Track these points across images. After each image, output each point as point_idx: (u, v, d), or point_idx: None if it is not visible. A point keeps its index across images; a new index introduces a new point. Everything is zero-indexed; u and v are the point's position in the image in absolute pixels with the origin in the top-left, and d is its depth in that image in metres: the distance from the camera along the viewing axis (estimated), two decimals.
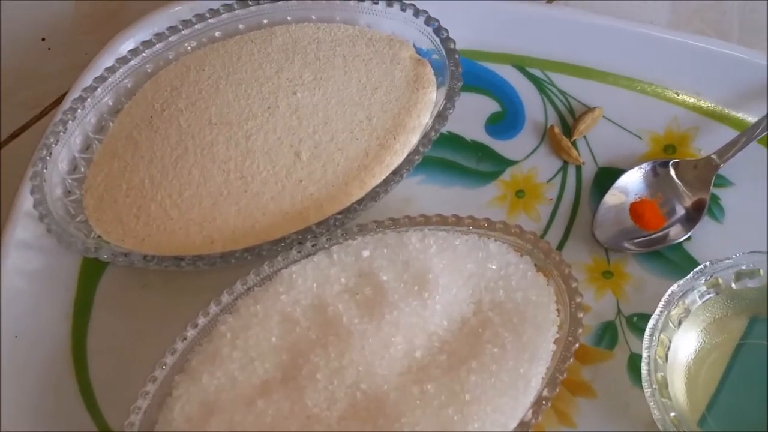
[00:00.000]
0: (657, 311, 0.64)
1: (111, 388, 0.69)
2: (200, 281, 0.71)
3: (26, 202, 0.72)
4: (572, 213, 0.74)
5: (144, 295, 0.73)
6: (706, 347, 0.66)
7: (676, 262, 0.70)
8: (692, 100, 0.77)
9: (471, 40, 0.78)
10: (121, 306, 0.72)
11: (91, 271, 0.73)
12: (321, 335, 0.64)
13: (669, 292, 0.65)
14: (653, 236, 0.71)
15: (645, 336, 0.64)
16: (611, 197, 0.72)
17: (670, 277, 0.69)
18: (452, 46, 0.74)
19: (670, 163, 0.72)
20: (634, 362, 0.67)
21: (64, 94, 0.78)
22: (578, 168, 0.75)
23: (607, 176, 0.74)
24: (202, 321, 0.66)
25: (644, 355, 0.63)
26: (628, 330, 0.69)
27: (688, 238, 0.71)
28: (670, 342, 0.65)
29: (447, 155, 0.76)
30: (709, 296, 0.66)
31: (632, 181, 0.72)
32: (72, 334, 0.71)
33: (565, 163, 0.75)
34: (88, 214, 0.72)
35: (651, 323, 0.64)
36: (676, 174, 0.72)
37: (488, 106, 0.78)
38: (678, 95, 0.77)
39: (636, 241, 0.71)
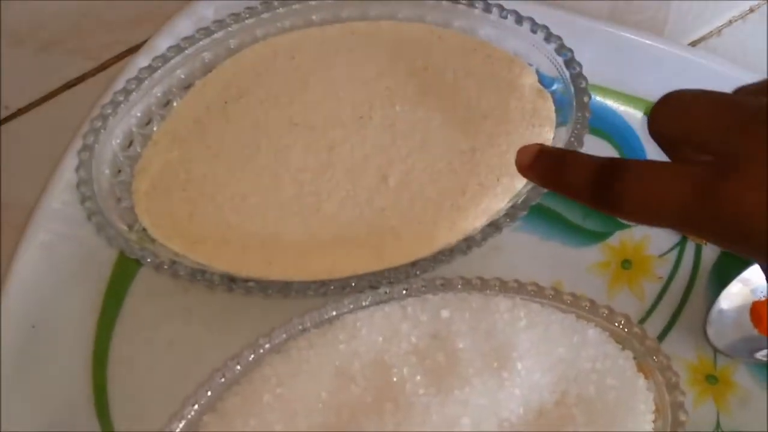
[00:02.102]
0: None
1: (128, 401, 0.62)
2: (250, 305, 0.63)
3: (68, 172, 0.64)
4: (683, 298, 0.64)
5: (183, 303, 0.64)
6: None
7: None
8: None
9: (600, 72, 0.68)
10: (156, 310, 0.64)
11: (127, 265, 0.65)
12: (378, 399, 0.56)
13: None
14: None
15: None
16: (734, 290, 0.62)
17: None
18: (583, 85, 0.63)
19: None
20: None
21: (129, 49, 0.69)
22: (698, 247, 0.66)
23: (732, 264, 0.64)
24: (246, 356, 0.57)
25: None
26: None
27: None
28: None
29: (550, 203, 0.67)
30: None
31: (761, 276, 0.62)
32: (96, 334, 0.63)
33: (684, 238, 0.66)
34: (136, 200, 0.63)
35: None
36: None
37: (606, 152, 0.68)
38: None
39: (756, 350, 0.61)
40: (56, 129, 0.67)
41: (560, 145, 0.63)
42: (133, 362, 0.63)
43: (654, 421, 0.56)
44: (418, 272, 0.60)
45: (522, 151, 0.51)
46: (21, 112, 0.71)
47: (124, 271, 0.64)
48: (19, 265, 0.63)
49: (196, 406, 0.57)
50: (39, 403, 0.61)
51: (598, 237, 0.66)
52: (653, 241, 0.66)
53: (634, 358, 0.58)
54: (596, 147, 0.68)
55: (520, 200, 0.61)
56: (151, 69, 0.64)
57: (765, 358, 0.61)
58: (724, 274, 0.64)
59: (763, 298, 0.62)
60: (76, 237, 0.64)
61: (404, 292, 0.59)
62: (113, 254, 0.64)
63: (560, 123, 0.65)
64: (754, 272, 0.63)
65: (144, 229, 0.62)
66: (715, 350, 0.62)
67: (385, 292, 0.59)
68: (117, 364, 0.62)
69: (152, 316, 0.64)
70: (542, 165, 0.50)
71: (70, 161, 0.63)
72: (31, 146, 0.70)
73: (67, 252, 0.64)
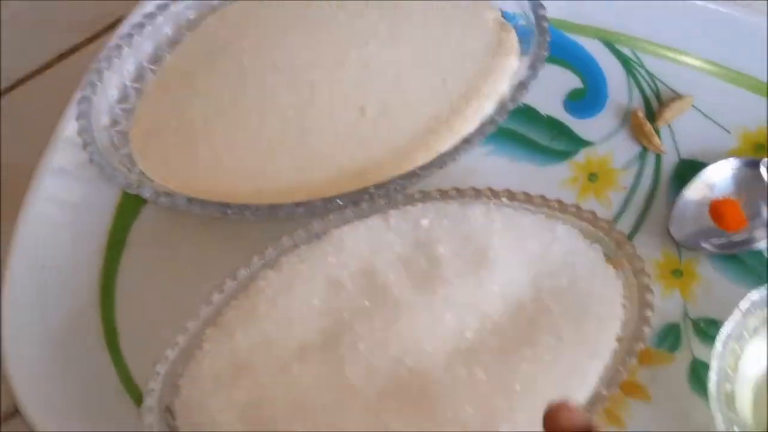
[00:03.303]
0: (734, 319, 0.59)
1: (136, 333, 0.66)
2: (243, 232, 0.67)
3: (69, 127, 0.69)
4: (646, 203, 0.68)
5: (182, 240, 0.69)
6: None
7: (754, 268, 0.65)
8: None
9: (560, 8, 0.73)
10: (157, 248, 0.69)
11: (129, 207, 0.69)
12: (368, 303, 0.60)
13: (749, 300, 0.60)
14: (733, 239, 0.66)
15: (717, 343, 0.59)
16: (693, 191, 0.67)
17: (744, 284, 0.64)
18: (543, 12, 0.69)
19: (763, 162, 0.67)
20: (696, 369, 0.62)
21: (118, 20, 0.74)
22: (658, 157, 0.70)
23: (689, 169, 0.69)
24: (242, 274, 0.62)
25: (714, 364, 0.58)
26: (693, 334, 0.64)
27: None
28: (741, 352, 0.60)
29: (519, 128, 0.71)
30: None
31: (718, 177, 0.67)
32: (102, 272, 0.68)
33: (645, 150, 0.70)
34: (134, 147, 0.68)
35: (726, 330, 0.59)
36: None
37: (569, 81, 0.73)
38: None
39: (715, 241, 0.66)
40: (53, 97, 0.72)
41: (524, 67, 0.68)
42: (138, 295, 0.67)
43: (623, 305, 0.60)
44: (397, 188, 0.64)
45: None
46: (20, 83, 0.76)
47: (126, 212, 0.69)
48: (28, 212, 0.68)
49: (198, 321, 0.61)
50: (50, 339, 0.65)
51: (564, 155, 0.71)
52: (616, 155, 0.70)
53: (605, 254, 0.62)
54: (560, 76, 0.73)
55: (488, 118, 0.66)
56: (140, 26, 0.69)
57: (722, 250, 0.66)
58: (681, 178, 0.68)
59: (721, 198, 0.67)
60: (79, 184, 0.69)
61: (385, 205, 0.64)
62: (115, 198, 0.69)
63: (523, 52, 0.70)
64: (711, 172, 0.67)
65: (142, 173, 0.67)
66: (679, 246, 0.66)
67: (368, 208, 0.64)
68: (123, 297, 0.67)
69: (154, 252, 0.68)
70: None
71: (71, 118, 0.68)
72: (31, 113, 0.75)
73: (71, 199, 0.69)
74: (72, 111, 0.68)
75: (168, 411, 0.59)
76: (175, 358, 0.59)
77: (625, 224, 0.68)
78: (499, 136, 0.70)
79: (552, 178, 0.70)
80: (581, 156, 0.70)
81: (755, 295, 0.60)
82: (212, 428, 0.57)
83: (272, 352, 0.59)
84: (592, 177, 0.69)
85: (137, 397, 0.63)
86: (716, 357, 0.59)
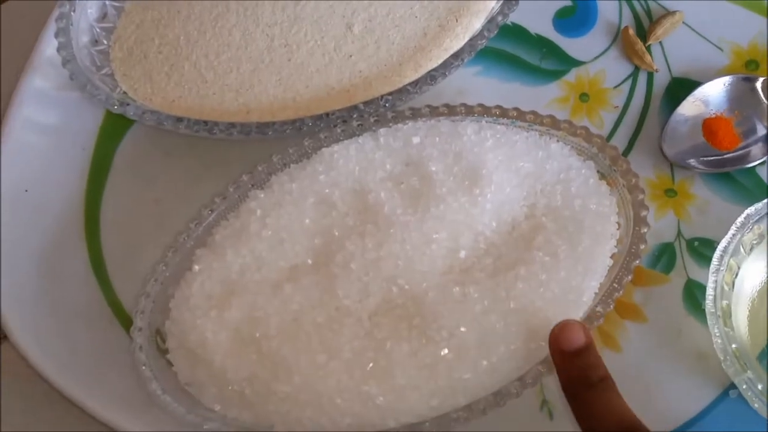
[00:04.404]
0: (729, 234, 0.59)
1: (123, 258, 0.65)
2: (231, 154, 0.66)
3: (49, 47, 0.67)
4: (639, 123, 0.68)
5: (167, 163, 0.67)
6: None
7: (747, 186, 0.65)
8: None
9: None
10: (142, 172, 0.67)
11: (112, 131, 0.68)
12: (359, 223, 0.59)
13: (745, 214, 0.59)
14: (726, 156, 0.65)
15: (713, 259, 0.59)
16: (686, 108, 0.66)
17: (738, 202, 0.64)
18: None
19: (759, 80, 0.66)
20: (690, 289, 0.62)
21: None
22: (650, 75, 0.69)
23: (681, 87, 0.68)
24: (231, 192, 0.61)
25: (711, 279, 0.58)
26: (688, 254, 0.63)
27: (763, 163, 0.65)
28: (738, 269, 0.60)
29: (508, 48, 0.70)
30: None
31: (711, 94, 0.66)
32: (86, 197, 0.66)
33: (637, 68, 0.69)
34: (115, 67, 0.66)
35: (722, 246, 0.59)
36: (764, 92, 0.66)
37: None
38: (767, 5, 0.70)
39: (706, 159, 0.65)
40: (32, 20, 0.70)
41: None
42: (124, 219, 0.66)
43: (618, 222, 0.59)
44: (386, 105, 0.63)
45: (567, 330, 0.53)
46: None
47: (110, 135, 0.68)
48: (9, 135, 0.66)
49: (186, 237, 0.60)
50: (36, 265, 0.64)
51: (555, 75, 0.69)
52: (608, 74, 0.69)
53: (598, 171, 0.61)
54: None
55: (477, 34, 0.65)
56: None
57: (715, 168, 0.65)
58: (674, 96, 0.67)
59: (714, 115, 0.66)
60: (61, 107, 0.67)
61: (376, 123, 0.62)
62: (98, 121, 0.68)
63: None
64: (703, 92, 0.67)
65: (125, 93, 0.65)
66: (672, 165, 0.65)
67: (358, 125, 0.62)
68: (109, 222, 0.66)
69: (139, 176, 0.67)
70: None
71: (50, 39, 0.66)
72: (9, 35, 0.73)
73: (53, 122, 0.67)
74: (50, 29, 0.66)
75: (158, 333, 0.58)
76: (164, 278, 0.58)
77: (617, 144, 0.67)
78: (488, 56, 0.69)
79: (542, 98, 0.69)
80: (572, 75, 0.69)
81: (751, 210, 0.60)
82: (203, 349, 0.56)
83: (264, 272, 0.58)
84: (584, 97, 0.68)
85: (126, 322, 0.62)
86: (713, 272, 0.58)
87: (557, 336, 0.53)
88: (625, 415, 0.50)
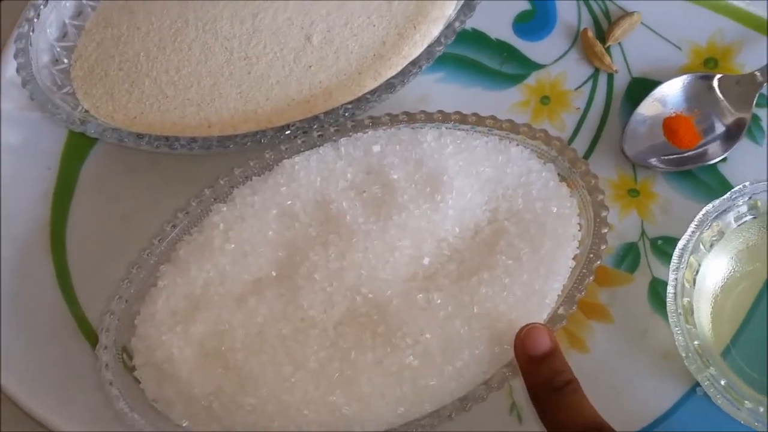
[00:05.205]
0: (689, 231, 0.59)
1: (89, 275, 0.65)
2: (192, 169, 0.66)
3: (9, 69, 0.67)
4: (600, 124, 0.68)
5: (131, 180, 0.68)
6: (736, 275, 0.61)
7: (709, 183, 0.65)
8: (740, 9, 0.70)
9: None
10: (106, 190, 0.68)
11: (76, 149, 0.68)
12: (322, 233, 0.59)
13: (703, 211, 0.60)
14: (686, 154, 0.65)
15: (673, 257, 0.59)
16: (646, 108, 0.66)
17: (700, 200, 0.64)
18: None
19: (716, 77, 0.66)
20: (655, 288, 0.63)
21: None
22: (610, 76, 0.69)
23: (641, 87, 0.68)
24: (193, 207, 0.61)
25: (671, 277, 0.58)
26: (652, 253, 0.64)
27: (724, 159, 0.65)
28: (699, 266, 0.60)
29: (469, 53, 0.70)
30: (745, 219, 0.61)
31: (670, 93, 0.67)
32: (51, 215, 0.67)
33: (597, 70, 0.70)
34: (76, 85, 0.66)
35: (681, 244, 0.59)
36: (720, 90, 0.66)
37: (517, 2, 0.72)
38: (725, 4, 0.71)
39: (667, 158, 0.65)
40: None
41: None
42: (90, 236, 0.66)
43: (579, 224, 0.60)
44: (346, 115, 0.63)
45: (532, 334, 0.54)
46: None
47: (74, 154, 0.68)
48: None
49: (150, 253, 0.60)
50: (2, 283, 0.65)
51: (516, 79, 0.70)
52: (568, 76, 0.70)
53: (559, 174, 0.62)
54: None
55: (435, 40, 0.65)
56: None
57: (675, 167, 0.65)
58: (634, 97, 0.68)
59: (674, 114, 0.66)
60: (24, 126, 0.68)
61: (336, 133, 0.63)
62: (62, 140, 0.68)
63: None
64: (661, 91, 0.67)
65: (86, 111, 0.65)
66: (634, 165, 0.66)
67: (319, 136, 0.63)
68: (75, 239, 0.66)
69: (103, 195, 0.67)
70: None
71: (10, 60, 0.67)
72: None
73: (17, 142, 0.68)
74: (10, 50, 0.66)
75: (124, 350, 0.58)
76: (129, 295, 0.59)
77: (579, 146, 0.67)
78: (449, 62, 0.70)
79: (504, 103, 0.69)
80: (532, 79, 0.70)
81: (710, 207, 0.60)
82: (170, 365, 0.56)
83: (228, 286, 0.58)
84: (545, 100, 0.69)
85: (93, 338, 0.62)
86: (673, 270, 0.58)
87: (522, 341, 0.53)
88: (591, 417, 0.51)
